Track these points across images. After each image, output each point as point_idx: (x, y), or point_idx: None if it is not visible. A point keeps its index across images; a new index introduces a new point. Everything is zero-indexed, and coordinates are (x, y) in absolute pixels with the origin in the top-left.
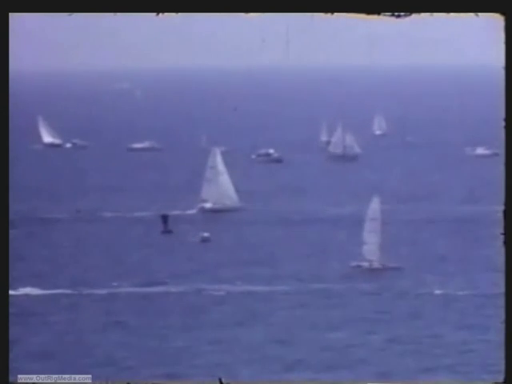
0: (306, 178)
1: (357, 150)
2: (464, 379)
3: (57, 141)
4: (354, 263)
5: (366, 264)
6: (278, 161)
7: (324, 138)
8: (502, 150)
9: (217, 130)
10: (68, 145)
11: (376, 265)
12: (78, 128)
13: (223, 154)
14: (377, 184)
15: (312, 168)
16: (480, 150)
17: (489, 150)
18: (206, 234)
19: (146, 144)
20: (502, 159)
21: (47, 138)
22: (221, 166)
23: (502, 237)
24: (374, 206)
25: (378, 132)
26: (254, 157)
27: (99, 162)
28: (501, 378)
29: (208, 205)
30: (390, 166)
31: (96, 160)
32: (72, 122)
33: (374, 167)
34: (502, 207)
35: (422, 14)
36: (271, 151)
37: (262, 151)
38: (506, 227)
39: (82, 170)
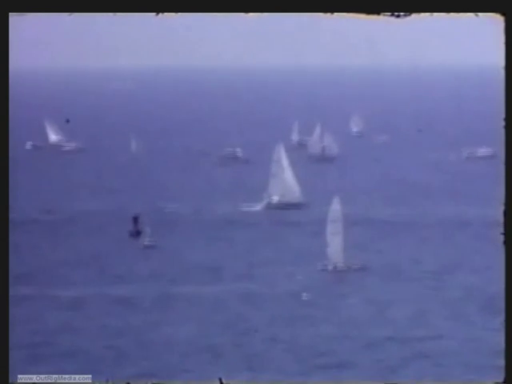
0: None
1: (335, 150)
2: None
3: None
4: (319, 266)
5: (330, 267)
6: (245, 161)
7: (295, 138)
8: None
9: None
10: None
11: (341, 267)
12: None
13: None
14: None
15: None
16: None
17: (483, 151)
18: (147, 242)
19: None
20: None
21: (53, 137)
22: (285, 161)
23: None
24: (335, 207)
25: (355, 129)
26: (216, 157)
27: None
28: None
29: (275, 199)
30: (367, 167)
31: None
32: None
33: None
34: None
35: (422, 14)
36: (238, 150)
37: (228, 150)
38: (505, 227)
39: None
